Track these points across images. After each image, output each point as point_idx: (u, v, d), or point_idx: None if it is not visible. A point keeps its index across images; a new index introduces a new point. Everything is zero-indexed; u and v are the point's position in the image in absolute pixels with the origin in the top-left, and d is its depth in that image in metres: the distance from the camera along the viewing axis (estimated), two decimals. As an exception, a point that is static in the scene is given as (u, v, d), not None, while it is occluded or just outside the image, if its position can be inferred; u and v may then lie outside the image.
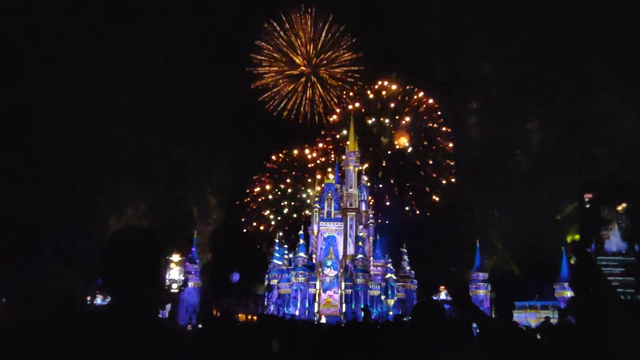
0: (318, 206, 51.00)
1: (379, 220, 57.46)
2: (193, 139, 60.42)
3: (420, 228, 62.02)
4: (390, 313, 45.40)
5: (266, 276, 51.07)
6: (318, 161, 72.74)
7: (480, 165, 62.39)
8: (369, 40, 70.70)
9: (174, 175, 58.46)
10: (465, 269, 52.68)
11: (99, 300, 32.69)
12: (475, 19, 59.57)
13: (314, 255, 49.33)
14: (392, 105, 74.57)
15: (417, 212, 68.06)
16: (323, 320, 40.95)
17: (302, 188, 69.12)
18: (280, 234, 57.20)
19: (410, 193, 69.62)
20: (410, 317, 4.65)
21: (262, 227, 70.01)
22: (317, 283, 46.70)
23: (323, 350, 6.36)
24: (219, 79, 62.33)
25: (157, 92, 55.98)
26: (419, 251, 54.15)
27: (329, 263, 47.44)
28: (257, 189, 73.62)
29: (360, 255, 47.63)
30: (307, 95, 77.93)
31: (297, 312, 44.76)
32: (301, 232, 50.41)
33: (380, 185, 67.69)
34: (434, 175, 70.30)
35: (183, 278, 48.06)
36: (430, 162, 70.99)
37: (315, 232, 50.39)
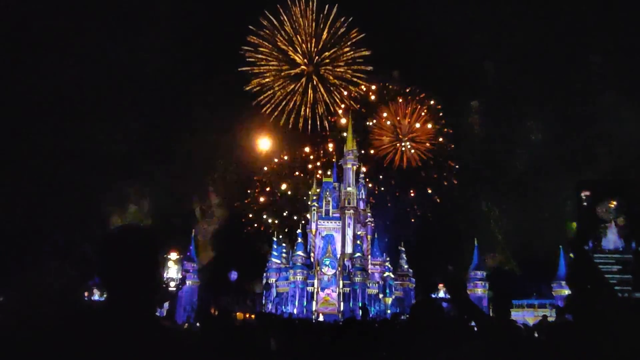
0: (316, 204, 51.02)
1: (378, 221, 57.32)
2: (194, 137, 60.24)
3: (418, 227, 62.11)
4: (388, 311, 45.45)
5: (264, 274, 51.09)
6: (318, 162, 70.54)
7: (480, 164, 62.42)
8: (374, 36, 68.10)
9: (176, 174, 58.35)
10: (463, 267, 52.77)
11: (96, 296, 32.67)
12: (476, 18, 59.58)
13: (312, 254, 49.35)
14: (392, 104, 71.90)
15: (418, 213, 67.53)
16: (321, 318, 40.98)
17: (302, 189, 67.31)
18: (281, 236, 56.32)
19: (412, 194, 68.40)
20: (408, 316, 4.66)
21: (262, 228, 69.23)
22: (315, 281, 46.73)
23: (321, 348, 6.36)
24: (215, 78, 61.62)
25: (155, 90, 55.89)
26: (417, 250, 54.20)
27: (327, 261, 47.47)
28: (257, 190, 72.50)
29: (358, 254, 47.65)
30: (308, 97, 72.88)
31: (295, 311, 44.77)
32: (299, 230, 50.43)
33: (382, 189, 66.97)
34: (435, 177, 69.28)
35: (181, 276, 48.03)
36: (432, 162, 69.70)
37: (314, 230, 50.41)
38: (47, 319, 2.65)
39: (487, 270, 52.81)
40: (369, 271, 48.59)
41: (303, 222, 53.07)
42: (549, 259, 49.79)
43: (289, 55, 73.18)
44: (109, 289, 2.71)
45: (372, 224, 52.22)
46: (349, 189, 51.00)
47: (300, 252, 48.04)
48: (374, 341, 5.99)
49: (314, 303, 46.08)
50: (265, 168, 72.32)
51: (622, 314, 2.79)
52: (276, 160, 72.49)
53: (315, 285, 46.65)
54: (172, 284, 45.99)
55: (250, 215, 70.37)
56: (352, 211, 50.25)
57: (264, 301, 50.47)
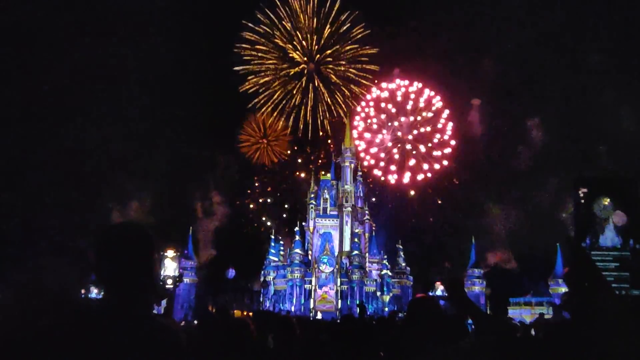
0: (314, 202, 51.06)
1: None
2: (195, 135, 60.09)
3: (416, 225, 62.17)
4: (386, 309, 45.54)
5: (262, 272, 51.13)
6: (319, 162, 69.26)
7: (480, 162, 62.30)
8: (379, 30, 64.76)
9: (177, 171, 58.26)
10: (461, 265, 52.88)
11: (93, 293, 32.68)
12: (476, 15, 59.56)
13: (309, 252, 49.40)
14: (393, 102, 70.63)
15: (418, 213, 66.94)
16: (319, 316, 41.04)
17: (301, 186, 66.12)
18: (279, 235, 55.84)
19: (412, 193, 67.30)
20: (405, 313, 4.66)
21: (262, 229, 68.44)
22: (313, 279, 46.80)
23: (318, 346, 6.37)
24: (210, 76, 61.08)
25: (152, 87, 55.78)
26: (415, 247, 54.32)
27: (325, 259, 47.53)
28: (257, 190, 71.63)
29: (355, 252, 47.72)
30: (309, 97, 68.47)
31: (292, 308, 44.85)
32: (297, 228, 50.46)
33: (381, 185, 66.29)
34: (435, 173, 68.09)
35: (178, 274, 48.04)
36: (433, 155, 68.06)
37: (311, 228, 50.46)
38: (43, 317, 2.64)
39: (486, 267, 52.91)
40: (367, 269, 48.68)
41: (301, 220, 53.08)
42: (546, 256, 49.89)
43: (287, 52, 69.46)
44: (106, 287, 2.70)
45: (370, 222, 52.26)
46: (346, 186, 51.07)
47: (298, 250, 48.08)
48: (371, 339, 6.00)
49: (312, 301, 46.15)
50: (266, 168, 71.14)
51: (620, 312, 2.79)
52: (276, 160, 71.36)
53: (313, 283, 46.72)
54: (169, 281, 45.97)
55: (251, 215, 69.97)
56: (349, 209, 50.33)
57: (261, 299, 50.51)
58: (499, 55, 60.23)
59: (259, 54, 68.43)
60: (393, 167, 62.25)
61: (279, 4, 66.85)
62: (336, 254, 48.61)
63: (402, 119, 65.71)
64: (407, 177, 61.99)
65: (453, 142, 63.94)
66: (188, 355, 2.71)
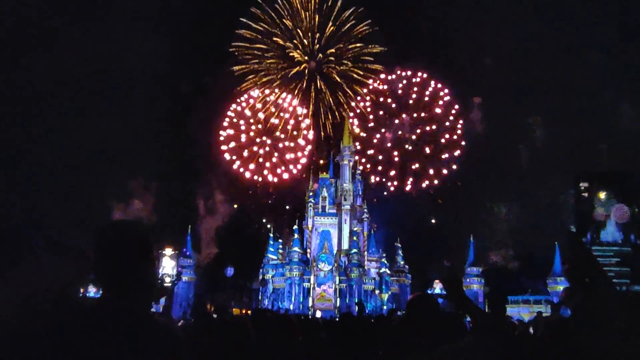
0: (312, 201, 51.04)
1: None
2: (197, 135, 59.96)
3: (415, 222, 62.10)
4: (384, 307, 45.58)
5: (260, 270, 51.12)
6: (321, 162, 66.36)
7: (481, 159, 62.21)
8: (385, 28, 63.08)
9: (176, 170, 58.18)
10: (459, 263, 52.91)
11: (91, 292, 32.67)
12: (478, 13, 59.62)
13: (308, 250, 49.41)
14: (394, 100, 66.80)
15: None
16: (317, 314, 41.06)
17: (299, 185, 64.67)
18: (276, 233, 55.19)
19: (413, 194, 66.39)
20: (404, 312, 4.65)
21: (262, 231, 67.51)
22: (312, 277, 46.81)
23: (317, 344, 6.36)
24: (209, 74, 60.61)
25: (150, 85, 55.69)
26: (414, 246, 54.28)
27: (324, 257, 47.53)
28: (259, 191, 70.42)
29: (354, 250, 47.74)
30: (311, 98, 65.45)
31: (291, 307, 44.87)
32: (296, 226, 50.43)
33: (382, 179, 65.43)
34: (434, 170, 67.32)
35: (176, 272, 48.03)
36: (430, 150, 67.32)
37: (310, 226, 50.46)
38: (41, 316, 2.63)
39: (484, 266, 52.95)
40: (365, 267, 48.71)
41: (299, 218, 52.99)
42: (545, 255, 49.96)
43: (287, 51, 66.48)
44: (104, 285, 2.70)
45: (368, 220, 52.21)
46: (345, 185, 51.06)
47: (296, 248, 48.08)
48: (370, 337, 6.00)
49: (310, 299, 46.17)
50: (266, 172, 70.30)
51: (620, 307, 2.79)
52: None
53: (312, 281, 46.73)
54: (168, 279, 45.99)
55: (252, 216, 69.22)
56: (348, 207, 50.34)
57: (260, 297, 50.50)
58: (500, 54, 60.24)
59: (257, 52, 66.23)
60: (393, 172, 61.47)
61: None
62: (335, 252, 48.62)
63: (404, 115, 64.29)
64: (409, 184, 60.73)
65: (463, 143, 61.76)
66: (186, 353, 2.70)
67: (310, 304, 45.78)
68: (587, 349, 2.74)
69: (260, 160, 65.33)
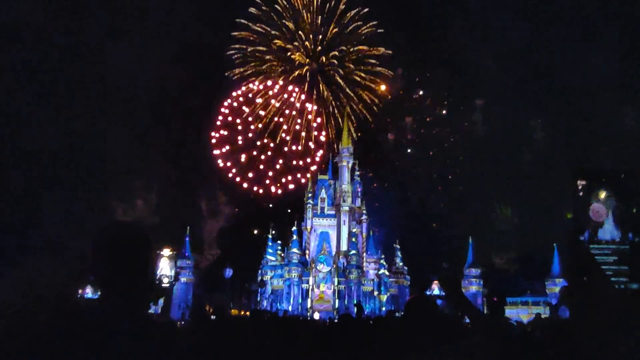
0: (311, 202, 51.02)
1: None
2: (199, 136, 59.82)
3: (413, 224, 62.14)
4: (383, 309, 45.57)
5: (259, 272, 51.07)
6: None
7: (481, 161, 62.20)
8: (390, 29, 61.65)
9: (175, 171, 58.11)
10: (458, 265, 52.92)
11: (89, 294, 32.63)
12: (480, 15, 59.61)
13: (307, 251, 49.39)
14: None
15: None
16: (316, 316, 41.05)
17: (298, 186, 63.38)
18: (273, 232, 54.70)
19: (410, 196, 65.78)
20: (402, 313, 4.65)
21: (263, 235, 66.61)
22: (310, 279, 46.79)
23: (316, 345, 6.36)
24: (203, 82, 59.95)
25: (150, 88, 55.72)
26: (412, 247, 54.30)
27: (322, 259, 47.52)
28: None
29: (353, 251, 47.73)
30: (312, 102, 63.03)
31: (290, 308, 44.84)
32: (294, 227, 50.39)
33: (382, 185, 65.01)
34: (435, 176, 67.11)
35: (174, 273, 47.95)
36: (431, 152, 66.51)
37: (309, 228, 50.43)
38: (39, 318, 2.63)
39: (483, 267, 52.93)
40: (364, 268, 48.69)
41: (298, 219, 52.91)
42: (543, 256, 49.97)
43: (288, 52, 64.55)
44: (103, 286, 2.69)
45: (367, 221, 52.14)
46: (344, 186, 51.06)
47: (295, 250, 48.07)
48: (368, 338, 6.00)
49: (309, 300, 46.15)
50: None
51: (619, 306, 2.79)
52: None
53: (310, 283, 46.71)
54: (165, 280, 45.93)
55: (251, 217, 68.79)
56: (347, 208, 50.32)
57: (259, 298, 50.45)
58: (500, 55, 60.29)
59: (257, 54, 64.72)
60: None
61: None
62: (333, 253, 48.63)
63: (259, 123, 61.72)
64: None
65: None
66: (184, 355, 2.70)
67: (309, 305, 45.76)
68: (586, 348, 2.74)
69: (261, 167, 61.45)
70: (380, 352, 5.53)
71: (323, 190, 51.42)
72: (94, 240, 2.69)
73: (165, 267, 47.66)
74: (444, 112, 68.84)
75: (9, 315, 2.82)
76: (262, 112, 63.44)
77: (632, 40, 52.33)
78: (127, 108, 54.18)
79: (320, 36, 64.19)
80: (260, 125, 62.73)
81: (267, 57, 65.13)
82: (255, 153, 63.03)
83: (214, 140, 60.13)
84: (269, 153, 63.15)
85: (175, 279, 47.23)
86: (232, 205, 66.24)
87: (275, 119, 62.78)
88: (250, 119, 62.17)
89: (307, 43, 64.35)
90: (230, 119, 62.34)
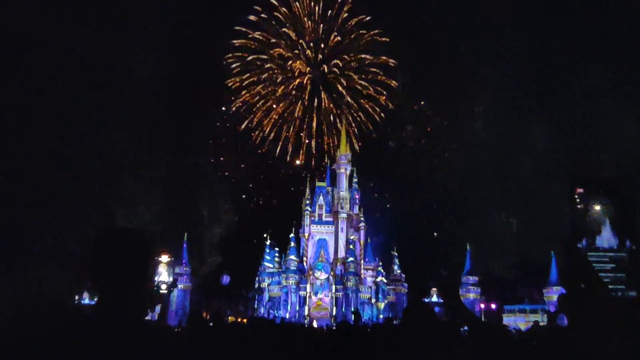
0: (309, 209, 50.92)
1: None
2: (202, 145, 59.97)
3: (411, 231, 62.10)
4: (381, 316, 45.44)
5: (257, 279, 50.92)
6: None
7: (480, 170, 62.18)
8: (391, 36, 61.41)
9: (172, 178, 58.05)
10: (456, 272, 52.84)
11: (86, 300, 32.50)
12: (479, 25, 59.89)
13: (304, 258, 49.25)
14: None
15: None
16: (314, 323, 40.91)
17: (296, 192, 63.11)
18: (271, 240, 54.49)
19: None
20: (400, 320, 4.65)
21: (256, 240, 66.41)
22: (308, 286, 46.66)
23: (313, 353, 6.34)
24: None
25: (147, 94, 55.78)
26: (410, 254, 54.21)
27: (320, 266, 47.42)
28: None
29: (351, 258, 47.62)
30: (313, 111, 62.65)
31: (287, 315, 44.68)
32: (292, 234, 50.30)
33: (376, 195, 64.98)
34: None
35: (172, 279, 47.78)
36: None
37: (306, 234, 50.30)
38: (35, 324, 2.62)
39: (481, 274, 52.88)
40: (362, 276, 48.58)
41: (296, 226, 52.78)
42: (541, 264, 49.97)
43: (288, 61, 63.65)
44: (101, 292, 2.68)
45: (365, 228, 52.00)
46: (342, 193, 51.00)
47: (292, 257, 47.96)
48: (366, 346, 5.98)
49: (307, 308, 46.00)
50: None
51: (616, 313, 2.79)
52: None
53: (308, 290, 46.58)
54: (164, 286, 45.74)
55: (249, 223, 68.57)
56: (345, 215, 50.24)
57: (256, 305, 50.29)
58: (503, 64, 60.45)
59: (258, 62, 64.07)
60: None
61: (277, 4, 61.87)
62: (331, 260, 48.52)
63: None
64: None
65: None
66: (182, 361, 2.69)
67: (306, 312, 45.62)
68: (585, 356, 2.73)
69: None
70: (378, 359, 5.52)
71: (321, 197, 51.36)
72: (93, 246, 2.68)
73: (163, 274, 47.51)
74: (445, 123, 68.68)
75: (6, 320, 2.81)
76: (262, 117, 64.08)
77: (632, 48, 52.61)
78: (127, 113, 54.25)
79: (322, 44, 63.67)
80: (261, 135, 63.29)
81: (267, 65, 64.67)
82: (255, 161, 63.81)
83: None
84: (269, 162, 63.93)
85: (174, 286, 47.09)
86: (231, 212, 66.20)
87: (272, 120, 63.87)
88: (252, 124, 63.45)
89: (308, 51, 63.83)
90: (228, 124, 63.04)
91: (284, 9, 62.80)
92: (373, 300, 47.85)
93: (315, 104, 64.66)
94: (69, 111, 50.09)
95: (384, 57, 63.49)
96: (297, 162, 64.31)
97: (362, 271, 49.08)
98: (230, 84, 63.33)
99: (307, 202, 51.46)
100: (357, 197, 52.17)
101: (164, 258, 47.83)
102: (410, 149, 67.29)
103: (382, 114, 65.75)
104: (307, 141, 64.89)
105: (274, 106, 64.44)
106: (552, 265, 49.02)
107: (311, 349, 6.69)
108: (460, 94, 64.37)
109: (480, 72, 61.67)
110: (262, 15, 62.50)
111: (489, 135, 63.74)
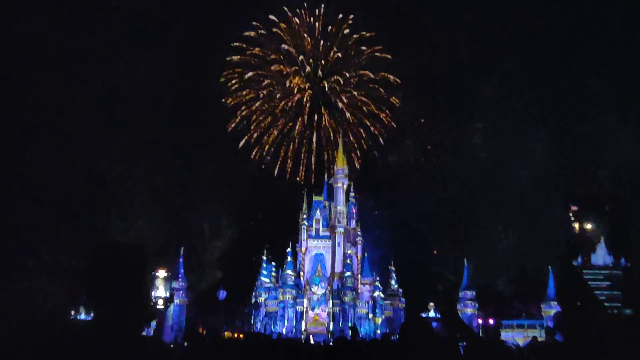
0: (306, 223, 50.82)
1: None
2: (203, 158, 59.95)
3: (409, 246, 61.96)
4: (378, 331, 45.15)
5: (253, 293, 50.62)
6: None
7: (478, 185, 62.20)
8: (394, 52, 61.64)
9: (170, 193, 58.01)
10: (453, 287, 52.63)
11: (82, 315, 32.22)
12: (478, 43, 60.38)
13: (301, 273, 49.03)
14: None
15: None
16: (311, 339, 40.59)
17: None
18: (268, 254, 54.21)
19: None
20: (398, 336, 4.63)
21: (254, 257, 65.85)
22: (305, 301, 46.40)
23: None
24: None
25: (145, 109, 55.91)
26: (408, 269, 54.01)
27: (317, 281, 47.21)
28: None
29: (348, 273, 47.42)
30: (313, 128, 62.66)
31: (284, 331, 44.37)
32: (289, 249, 50.08)
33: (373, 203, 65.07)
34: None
35: (169, 294, 47.53)
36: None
37: (303, 249, 50.13)
38: (31, 339, 2.60)
39: (479, 289, 52.70)
40: (359, 291, 48.35)
41: (293, 240, 52.54)
42: (538, 279, 49.87)
43: (286, 78, 63.22)
44: (97, 307, 2.67)
45: (362, 243, 51.84)
46: (339, 207, 50.92)
47: (289, 271, 47.73)
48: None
49: (304, 323, 45.68)
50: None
51: (612, 331, 2.79)
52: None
53: (305, 305, 46.30)
54: (160, 302, 45.50)
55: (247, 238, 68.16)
56: (342, 230, 50.13)
57: (252, 320, 49.92)
58: (502, 81, 60.84)
59: (259, 78, 63.78)
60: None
61: (275, 19, 61.56)
62: (328, 275, 48.31)
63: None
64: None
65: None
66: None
67: (303, 327, 45.29)
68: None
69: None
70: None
71: (318, 212, 51.29)
72: (90, 261, 2.68)
73: (160, 289, 47.27)
74: (445, 142, 68.77)
75: (2, 335, 2.79)
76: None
77: (631, 65, 53.05)
78: (123, 128, 54.32)
79: (322, 61, 63.48)
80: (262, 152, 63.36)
81: (266, 82, 64.39)
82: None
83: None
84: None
85: (170, 301, 46.80)
86: (228, 227, 65.96)
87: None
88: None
89: (308, 68, 63.49)
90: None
91: (283, 24, 62.78)
92: (370, 316, 47.56)
93: (315, 120, 64.61)
94: (66, 126, 50.15)
95: (383, 73, 63.43)
96: (297, 179, 63.67)
97: (360, 286, 48.86)
98: (229, 102, 63.31)
99: (304, 216, 51.37)
100: (354, 211, 52.11)
101: (161, 273, 47.68)
102: (410, 165, 67.37)
103: (383, 130, 65.67)
104: (306, 159, 64.59)
105: (273, 122, 64.48)
106: (550, 280, 48.92)
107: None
108: (459, 112, 64.74)
109: (479, 90, 62.13)
110: (261, 31, 62.57)
111: (487, 152, 63.99)
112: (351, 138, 63.52)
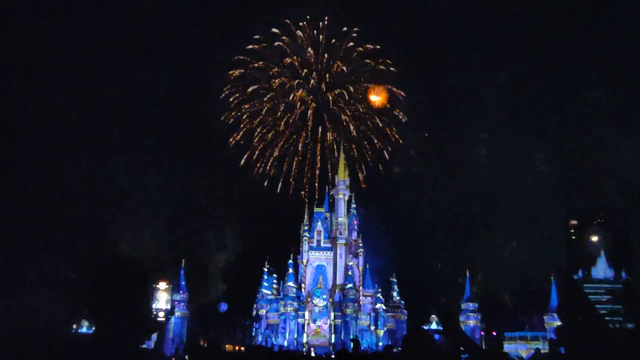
0: (307, 235, 50.67)
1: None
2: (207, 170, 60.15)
3: (410, 257, 61.77)
4: (380, 344, 44.88)
5: (254, 306, 50.38)
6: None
7: (480, 197, 62.05)
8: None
9: (169, 206, 58.00)
10: (455, 299, 52.39)
11: (84, 328, 32.06)
12: (482, 51, 60.68)
13: (303, 285, 48.80)
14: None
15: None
16: (312, 351, 40.36)
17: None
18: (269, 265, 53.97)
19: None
20: (400, 348, 4.61)
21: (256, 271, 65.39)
22: (306, 313, 46.18)
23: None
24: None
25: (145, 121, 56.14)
26: (409, 281, 53.80)
27: (318, 293, 47.03)
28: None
29: (349, 285, 47.21)
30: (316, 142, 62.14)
31: (285, 343, 44.13)
32: (290, 261, 49.92)
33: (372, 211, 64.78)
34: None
35: (170, 307, 47.28)
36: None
37: (305, 261, 49.94)
38: (32, 353, 2.59)
39: (481, 301, 52.46)
40: (361, 302, 48.11)
41: (294, 252, 52.33)
42: (541, 290, 49.65)
43: (290, 91, 62.77)
44: (98, 320, 2.67)
45: (364, 254, 51.60)
46: (340, 219, 50.81)
47: (291, 283, 47.55)
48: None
49: (305, 335, 45.43)
50: None
51: (613, 345, 2.77)
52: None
53: (306, 317, 46.08)
54: (161, 314, 45.26)
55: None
56: (343, 241, 49.98)
57: (254, 333, 49.66)
58: (502, 89, 61.02)
59: (262, 91, 63.34)
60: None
61: (277, 31, 61.46)
62: (330, 287, 48.12)
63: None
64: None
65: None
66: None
67: (304, 340, 45.04)
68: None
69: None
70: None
71: (319, 223, 51.16)
72: (91, 274, 2.68)
73: (161, 301, 47.04)
74: (448, 153, 68.60)
75: (4, 349, 2.78)
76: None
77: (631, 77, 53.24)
78: (125, 142, 54.51)
79: (326, 74, 63.14)
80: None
81: (269, 95, 63.88)
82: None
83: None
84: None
85: (172, 313, 46.58)
86: (230, 240, 65.79)
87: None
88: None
89: (312, 81, 63.02)
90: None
91: (286, 37, 62.66)
92: (372, 328, 47.31)
93: (319, 133, 64.11)
94: (68, 138, 50.31)
95: (388, 86, 62.81)
96: (302, 193, 63.41)
97: (361, 298, 48.61)
98: (230, 117, 63.09)
99: (306, 228, 51.22)
100: (355, 223, 51.97)
101: (162, 285, 47.47)
102: (412, 177, 67.19)
103: (386, 143, 65.11)
104: (310, 173, 64.38)
105: (276, 136, 64.12)
106: (553, 291, 48.68)
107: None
108: (462, 123, 64.87)
109: (482, 101, 62.33)
110: (264, 44, 62.35)
111: (490, 165, 64.00)
112: (355, 152, 62.92)
